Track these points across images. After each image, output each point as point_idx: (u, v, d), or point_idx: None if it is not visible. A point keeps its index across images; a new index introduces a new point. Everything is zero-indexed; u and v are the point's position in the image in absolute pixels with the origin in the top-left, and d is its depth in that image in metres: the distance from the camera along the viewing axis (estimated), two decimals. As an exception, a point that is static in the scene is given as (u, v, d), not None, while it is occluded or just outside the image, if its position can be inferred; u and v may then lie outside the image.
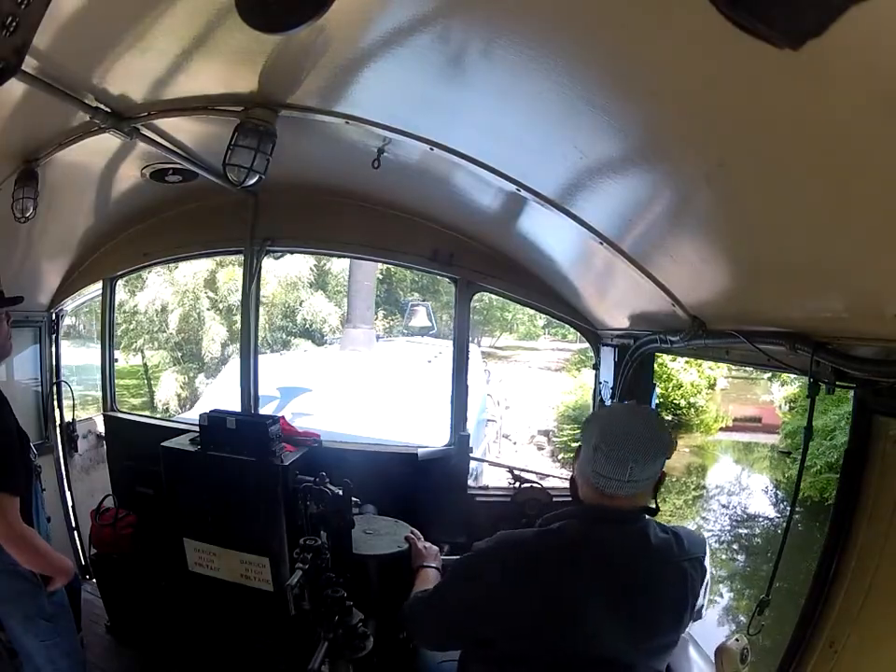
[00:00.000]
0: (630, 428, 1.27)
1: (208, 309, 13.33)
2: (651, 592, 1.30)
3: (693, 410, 15.21)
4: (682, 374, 14.90)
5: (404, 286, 17.61)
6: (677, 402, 15.25)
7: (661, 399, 13.87)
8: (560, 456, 12.96)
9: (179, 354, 13.89)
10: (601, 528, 1.31)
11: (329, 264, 13.80)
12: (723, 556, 8.68)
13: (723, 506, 11.17)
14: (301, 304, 13.40)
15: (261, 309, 12.24)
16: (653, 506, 1.39)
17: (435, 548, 2.00)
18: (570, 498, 1.44)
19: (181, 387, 13.50)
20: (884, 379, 1.16)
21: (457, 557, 1.79)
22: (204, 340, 13.33)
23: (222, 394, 5.29)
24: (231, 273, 12.70)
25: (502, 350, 21.39)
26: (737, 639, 1.49)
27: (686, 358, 13.51)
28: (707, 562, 1.41)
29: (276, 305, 13.36)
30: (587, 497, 1.35)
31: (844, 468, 1.34)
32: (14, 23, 0.75)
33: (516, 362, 20.69)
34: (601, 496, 1.31)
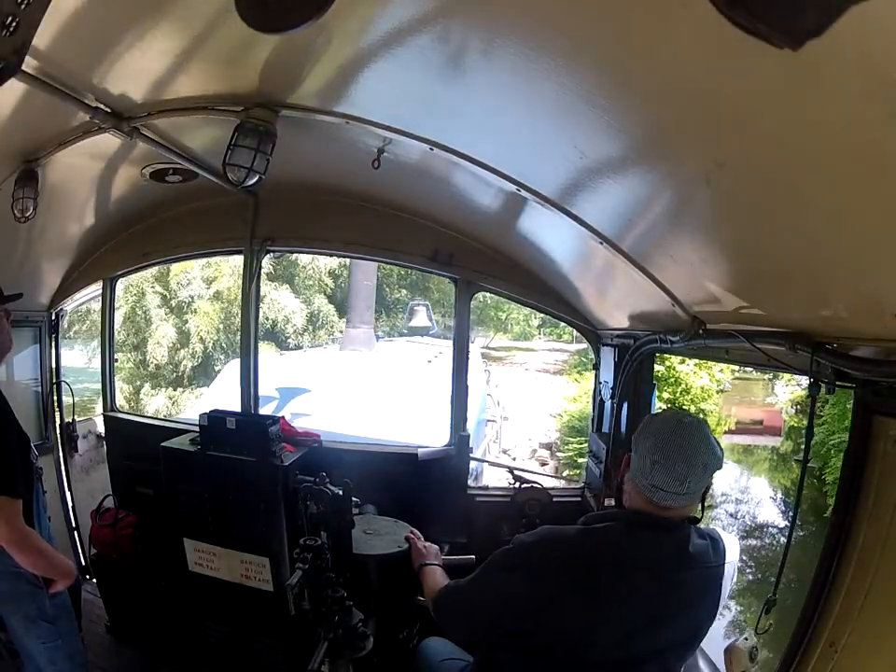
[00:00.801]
0: (688, 441, 1.28)
1: (158, 307, 11.80)
2: (686, 597, 1.32)
3: (701, 415, 14.79)
4: (692, 378, 14.24)
5: (391, 282, 16.63)
6: (686, 408, 14.83)
7: (668, 405, 13.63)
8: (566, 473, 12.14)
9: (140, 358, 12.32)
10: (644, 533, 1.32)
11: (297, 254, 12.13)
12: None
13: (731, 515, 10.62)
14: (262, 300, 11.82)
15: (213, 307, 11.37)
16: (699, 515, 1.39)
17: (435, 547, 2.01)
18: (614, 503, 1.45)
19: (126, 399, 11.75)
20: (884, 379, 1.16)
21: (462, 559, 1.80)
22: (150, 343, 11.73)
23: (221, 394, 5.28)
24: (184, 264, 11.18)
25: (496, 351, 20.68)
26: (746, 638, 1.49)
27: (695, 361, 13.13)
28: (735, 561, 1.42)
29: (233, 302, 11.09)
30: (636, 504, 1.35)
31: (844, 468, 1.34)
32: (14, 23, 0.75)
33: (512, 364, 19.67)
34: (653, 506, 1.31)
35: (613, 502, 2.48)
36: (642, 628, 1.28)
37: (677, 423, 1.32)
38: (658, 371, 13.54)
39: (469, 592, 1.46)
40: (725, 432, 14.70)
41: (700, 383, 14.23)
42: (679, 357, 12.56)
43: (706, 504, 1.40)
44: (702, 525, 1.40)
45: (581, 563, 1.29)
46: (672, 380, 13.93)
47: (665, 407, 12.58)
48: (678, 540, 1.32)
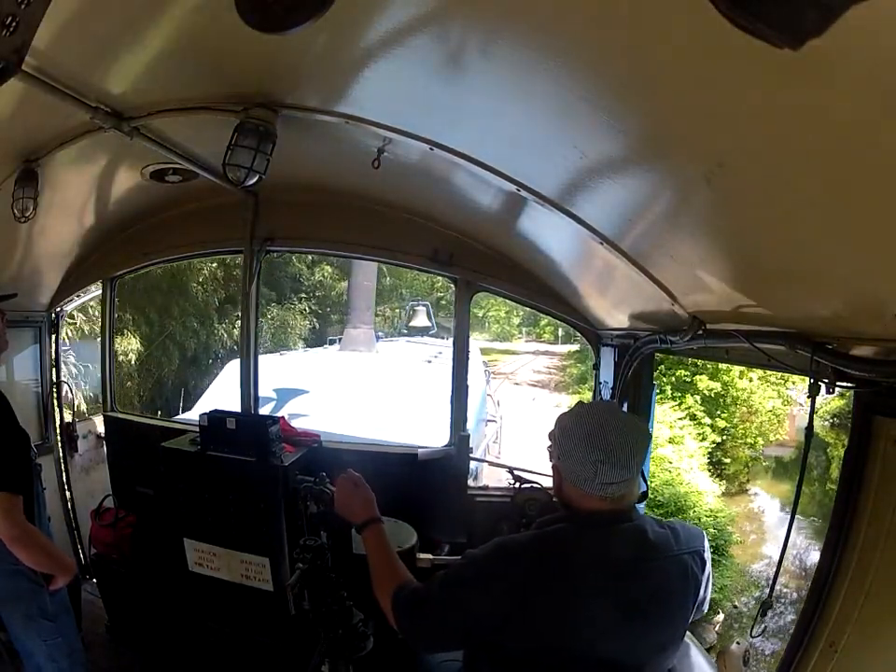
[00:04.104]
0: (619, 429, 1.28)
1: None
2: (655, 588, 1.30)
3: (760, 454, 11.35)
4: (757, 396, 11.11)
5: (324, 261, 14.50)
6: (751, 442, 11.25)
7: (724, 438, 10.84)
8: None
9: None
10: (599, 530, 1.31)
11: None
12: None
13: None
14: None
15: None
16: (644, 488, 1.42)
17: (367, 494, 1.68)
18: (562, 507, 1.41)
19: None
20: (884, 379, 1.16)
21: (454, 560, 1.73)
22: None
23: (221, 395, 5.28)
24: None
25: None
26: (738, 643, 1.49)
27: (760, 374, 10.62)
28: (707, 555, 1.41)
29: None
30: (586, 504, 1.33)
31: (844, 468, 1.34)
32: (14, 23, 0.75)
33: (495, 376, 15.67)
34: (609, 501, 1.30)
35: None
36: (616, 626, 1.25)
37: (599, 415, 1.32)
38: (712, 389, 10.76)
39: (429, 610, 1.38)
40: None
41: (767, 404, 11.17)
42: (740, 368, 10.19)
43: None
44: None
45: (540, 568, 1.27)
46: (728, 400, 11.15)
47: (665, 416, 10.90)
48: (635, 532, 1.31)
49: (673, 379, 11.24)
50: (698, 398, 10.98)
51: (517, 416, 12.18)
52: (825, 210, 0.98)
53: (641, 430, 1.34)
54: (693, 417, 10.77)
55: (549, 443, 1.40)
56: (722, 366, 10.16)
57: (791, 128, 0.86)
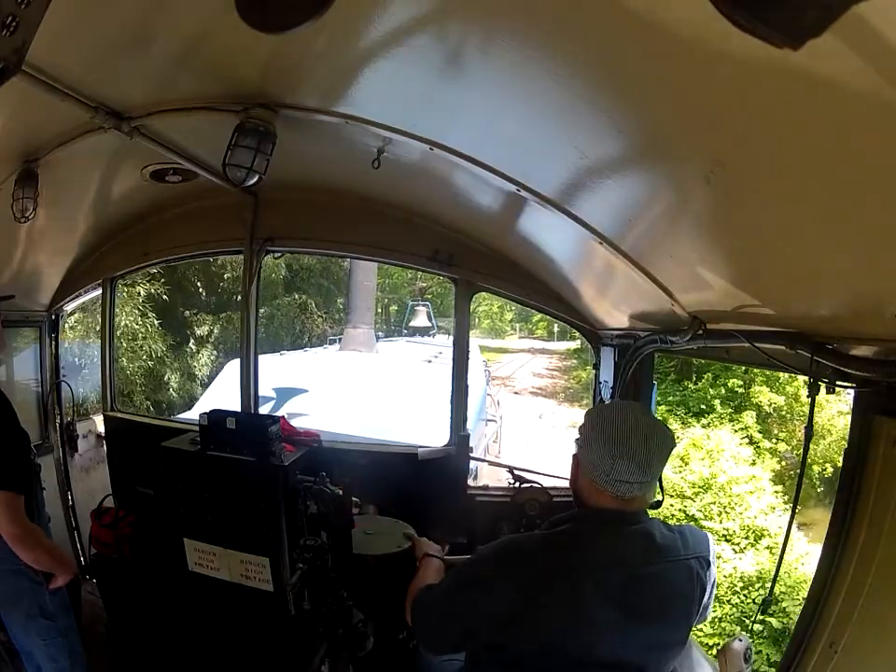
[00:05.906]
0: (641, 428, 1.28)
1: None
2: (659, 591, 1.30)
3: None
4: (828, 412, 8.05)
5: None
6: (818, 470, 7.98)
7: (780, 466, 7.97)
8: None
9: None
10: (608, 531, 1.31)
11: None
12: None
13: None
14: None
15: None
16: (660, 498, 1.41)
17: (436, 545, 2.01)
18: (574, 504, 1.42)
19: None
20: (884, 379, 1.16)
21: (461, 559, 1.76)
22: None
23: (221, 394, 5.28)
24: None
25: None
26: (740, 639, 1.48)
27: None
28: (712, 559, 1.41)
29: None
30: (598, 502, 1.33)
31: (844, 468, 1.34)
32: (14, 23, 0.75)
33: (491, 381, 12.33)
34: (618, 500, 1.30)
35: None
36: (619, 629, 1.25)
37: (623, 412, 1.32)
38: (772, 403, 8.44)
39: (437, 608, 1.41)
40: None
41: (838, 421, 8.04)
42: (805, 378, 7.16)
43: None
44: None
45: (547, 569, 1.27)
46: (787, 415, 8.70)
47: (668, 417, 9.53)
48: (643, 534, 1.31)
49: (723, 390, 9.09)
50: (753, 414, 8.63)
51: (522, 439, 9.94)
52: (825, 210, 0.98)
53: (667, 436, 1.32)
54: (750, 440, 8.38)
55: (577, 436, 1.41)
56: (785, 375, 7.92)
57: (791, 128, 0.86)
